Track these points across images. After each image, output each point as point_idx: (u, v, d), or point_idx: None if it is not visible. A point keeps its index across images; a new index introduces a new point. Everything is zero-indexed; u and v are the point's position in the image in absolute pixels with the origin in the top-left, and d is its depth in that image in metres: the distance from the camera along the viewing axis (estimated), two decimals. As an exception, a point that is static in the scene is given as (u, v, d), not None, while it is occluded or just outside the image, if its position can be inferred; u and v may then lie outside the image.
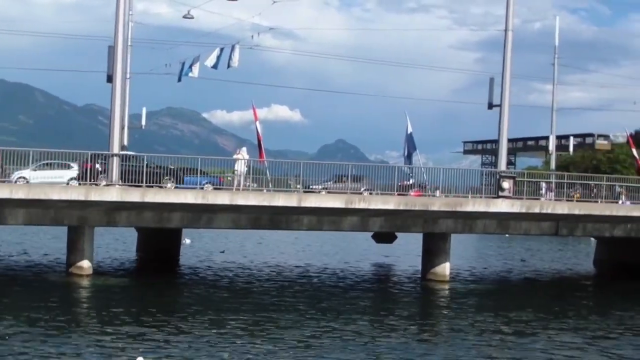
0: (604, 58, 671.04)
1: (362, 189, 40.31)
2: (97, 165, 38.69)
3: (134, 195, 36.22)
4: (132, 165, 38.29)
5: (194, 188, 38.56)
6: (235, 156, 40.87)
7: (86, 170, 38.18)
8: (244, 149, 42.07)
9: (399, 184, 40.68)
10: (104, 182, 37.58)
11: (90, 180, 37.81)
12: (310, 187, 39.97)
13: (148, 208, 37.46)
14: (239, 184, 39.01)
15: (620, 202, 46.35)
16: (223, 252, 57.33)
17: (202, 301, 33.63)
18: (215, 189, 38.65)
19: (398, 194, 40.21)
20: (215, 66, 49.82)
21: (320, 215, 39.95)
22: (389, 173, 43.49)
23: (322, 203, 38.40)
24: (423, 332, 28.37)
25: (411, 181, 41.21)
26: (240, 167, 39.38)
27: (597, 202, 43.89)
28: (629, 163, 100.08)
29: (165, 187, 37.69)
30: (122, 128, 47.14)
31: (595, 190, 45.88)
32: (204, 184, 38.76)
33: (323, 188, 39.95)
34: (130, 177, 37.46)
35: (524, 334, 28.66)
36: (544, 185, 45.51)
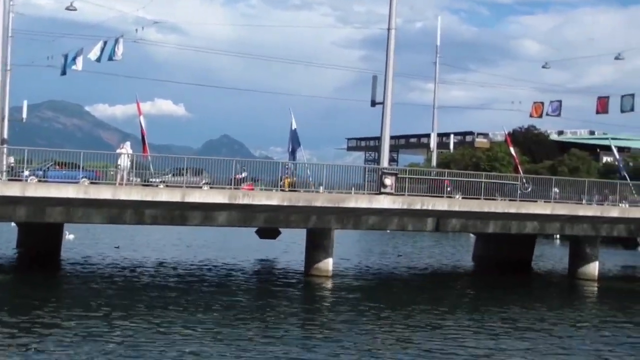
0: (483, 58, 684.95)
1: (202, 182, 40.04)
2: None
3: (14, 189, 35.46)
4: None
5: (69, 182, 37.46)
6: (118, 150, 40.43)
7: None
8: (128, 143, 41.62)
9: (231, 177, 40.48)
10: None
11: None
12: (149, 180, 39.38)
13: (26, 202, 36.72)
14: (122, 179, 38.56)
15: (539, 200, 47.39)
16: (118, 247, 56.71)
17: (72, 296, 33.40)
18: (91, 183, 37.85)
19: (235, 188, 39.80)
20: (98, 59, 49.21)
21: (204, 211, 39.86)
22: (273, 169, 43.68)
23: (205, 198, 38.33)
24: (304, 327, 28.67)
25: (244, 174, 41.09)
26: (124, 161, 38.97)
27: (478, 199, 44.82)
28: (507, 161, 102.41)
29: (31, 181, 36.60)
30: (2, 120, 46.18)
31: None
32: (79, 179, 37.80)
33: (161, 181, 39.43)
34: None
35: (403, 328, 29.21)
36: (447, 183, 46.26)
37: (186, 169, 40.83)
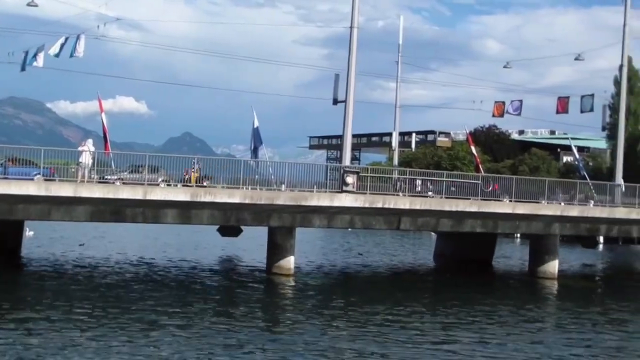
0: (445, 58, 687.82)
1: (160, 180, 39.86)
2: None
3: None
4: None
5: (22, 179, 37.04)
6: (80, 148, 40.17)
7: None
8: (90, 140, 41.34)
9: (184, 174, 40.34)
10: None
11: None
12: (105, 177, 39.19)
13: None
14: (83, 176, 38.31)
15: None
16: (82, 244, 56.36)
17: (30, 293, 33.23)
18: (46, 179, 37.43)
19: (184, 185, 39.71)
20: (57, 55, 48.86)
21: (166, 208, 39.73)
22: (235, 167, 43.56)
23: (167, 196, 38.21)
24: (265, 325, 28.67)
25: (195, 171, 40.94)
26: (86, 159, 38.72)
27: (440, 197, 45.01)
28: (468, 160, 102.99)
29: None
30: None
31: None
32: (33, 175, 37.41)
33: (118, 178, 39.23)
34: None
35: (363, 325, 29.31)
36: (419, 182, 46.44)
37: (144, 166, 40.59)
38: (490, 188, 47.50)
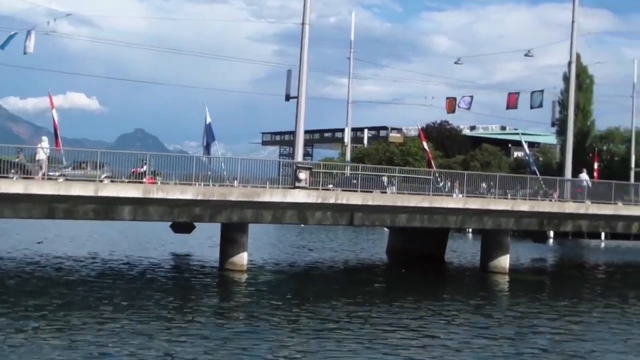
0: (396, 54, 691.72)
1: (103, 176, 39.56)
2: None
3: None
4: None
5: None
6: (39, 145, 39.74)
7: None
8: (46, 138, 40.97)
9: (132, 170, 40.12)
10: None
11: None
12: (48, 174, 38.80)
13: None
14: (37, 173, 37.86)
15: (454, 195, 48.02)
16: (40, 242, 55.88)
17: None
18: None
19: (130, 181, 39.47)
20: (2, 47, 48.37)
21: (118, 205, 39.51)
22: (188, 163, 43.41)
23: (119, 193, 37.98)
24: (218, 321, 28.65)
25: (144, 168, 40.79)
26: (42, 156, 38.33)
27: (392, 193, 45.20)
28: (420, 156, 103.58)
29: None
30: None
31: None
32: None
33: (60, 175, 38.90)
34: None
35: (318, 321, 29.41)
36: (385, 179, 46.64)
37: (87, 162, 40.26)
38: (442, 184, 47.78)
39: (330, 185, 44.02)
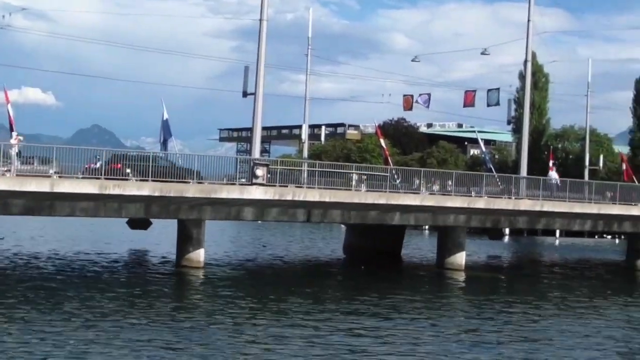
0: (353, 51, 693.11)
1: (52, 172, 39.14)
2: None
3: None
4: None
5: None
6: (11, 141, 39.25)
7: None
8: (15, 133, 40.45)
9: (85, 166, 39.76)
10: None
11: None
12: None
13: None
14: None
15: (421, 192, 48.10)
16: (2, 238, 55.37)
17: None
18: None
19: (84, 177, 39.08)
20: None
21: (74, 201, 39.25)
22: (144, 159, 43.14)
23: (75, 189, 37.69)
24: (174, 318, 28.55)
25: (98, 164, 40.48)
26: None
27: (349, 190, 45.28)
28: (377, 153, 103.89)
29: None
30: None
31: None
32: None
33: (6, 170, 38.51)
34: None
35: (273, 317, 29.45)
36: (355, 177, 46.70)
37: (34, 157, 39.85)
38: (399, 181, 47.94)
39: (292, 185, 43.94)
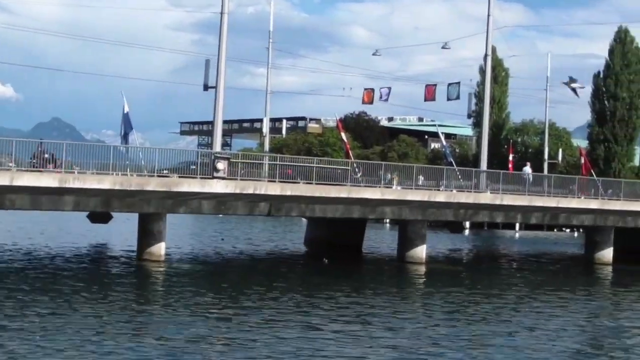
0: (314, 44, 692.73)
1: (11, 165, 38.76)
2: None
3: None
4: None
5: None
6: None
7: None
8: None
9: (33, 153, 39.33)
10: None
11: None
12: None
13: None
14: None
15: (393, 187, 48.26)
16: None
17: None
18: None
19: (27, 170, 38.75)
20: None
21: (33, 195, 38.96)
22: (105, 153, 42.93)
23: (35, 182, 37.41)
24: (134, 311, 28.48)
25: (46, 155, 40.16)
26: None
27: (310, 183, 45.30)
28: (338, 146, 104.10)
29: None
30: None
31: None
32: None
33: None
34: None
35: (233, 311, 29.46)
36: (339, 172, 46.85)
37: None
38: (360, 174, 48.09)
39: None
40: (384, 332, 26.72)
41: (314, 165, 46.77)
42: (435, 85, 64.75)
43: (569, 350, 25.29)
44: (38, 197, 39.35)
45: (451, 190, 50.29)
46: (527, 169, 59.15)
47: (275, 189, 43.51)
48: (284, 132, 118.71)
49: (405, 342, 25.08)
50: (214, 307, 30.36)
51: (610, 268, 54.97)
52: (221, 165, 41.72)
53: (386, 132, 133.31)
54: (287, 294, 34.81)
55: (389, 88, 69.55)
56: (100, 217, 48.02)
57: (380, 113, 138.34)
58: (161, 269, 41.38)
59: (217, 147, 47.98)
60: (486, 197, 51.25)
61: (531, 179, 55.32)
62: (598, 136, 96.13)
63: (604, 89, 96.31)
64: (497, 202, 51.54)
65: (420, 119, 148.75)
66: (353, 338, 25.44)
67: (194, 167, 42.52)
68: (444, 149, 74.82)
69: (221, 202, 44.06)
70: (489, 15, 59.80)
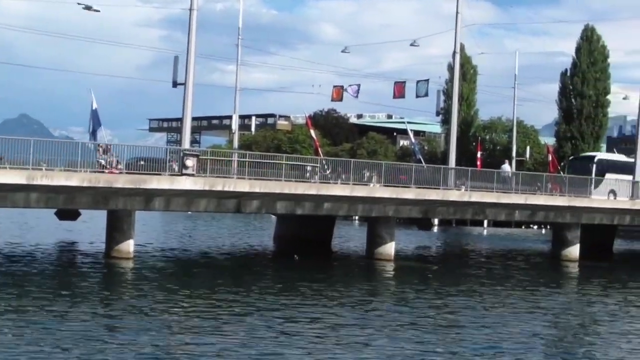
0: (283, 41, 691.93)
1: None
2: None
3: None
4: None
5: None
6: None
7: None
8: None
9: None
10: None
11: None
12: None
13: None
14: None
15: (371, 184, 48.37)
16: None
17: None
18: None
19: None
20: None
21: (2, 192, 38.71)
22: (73, 149, 42.72)
23: (2, 179, 37.17)
24: (103, 310, 28.36)
25: (102, 160, 40.33)
26: None
27: (279, 180, 45.33)
28: (308, 144, 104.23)
29: None
30: None
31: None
32: None
33: None
34: None
35: (201, 309, 29.47)
36: (308, 167, 46.80)
37: None
38: (329, 172, 48.23)
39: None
40: (350, 327, 26.85)
41: (283, 162, 46.81)
42: (404, 82, 64.91)
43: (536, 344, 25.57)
44: (4, 194, 39.09)
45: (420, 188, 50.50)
46: (506, 166, 59.65)
47: (244, 185, 43.53)
48: (253, 129, 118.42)
49: (373, 338, 25.23)
50: (181, 304, 30.35)
51: (576, 264, 55.39)
52: (190, 162, 41.68)
53: (355, 129, 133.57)
54: (254, 290, 34.78)
55: (358, 85, 69.68)
56: (68, 214, 47.83)
57: (349, 110, 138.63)
58: (129, 266, 41.26)
59: (186, 144, 47.94)
60: (454, 194, 51.50)
61: (511, 175, 55.81)
62: (565, 134, 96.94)
63: (571, 87, 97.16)
64: (465, 199, 51.83)
65: (389, 116, 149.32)
66: (318, 337, 25.53)
67: (142, 162, 42.20)
68: (412, 146, 75.05)
69: (190, 198, 44.00)
70: (457, 13, 60.04)
